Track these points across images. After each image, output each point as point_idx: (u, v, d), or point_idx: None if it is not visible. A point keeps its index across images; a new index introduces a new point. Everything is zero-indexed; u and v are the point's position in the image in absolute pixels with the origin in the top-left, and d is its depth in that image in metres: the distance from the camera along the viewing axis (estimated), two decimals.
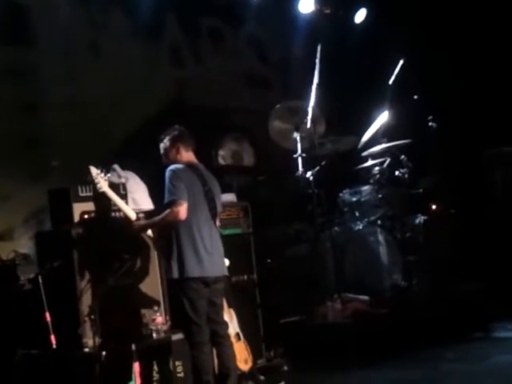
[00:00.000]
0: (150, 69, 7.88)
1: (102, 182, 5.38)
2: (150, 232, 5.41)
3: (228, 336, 5.44)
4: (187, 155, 5.39)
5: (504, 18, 9.19)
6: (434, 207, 8.03)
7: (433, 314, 7.03)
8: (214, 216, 5.33)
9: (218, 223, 5.42)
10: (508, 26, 9.21)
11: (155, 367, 5.33)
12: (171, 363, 5.40)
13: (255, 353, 6.03)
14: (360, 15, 8.98)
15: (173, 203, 5.05)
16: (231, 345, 5.51)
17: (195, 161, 5.43)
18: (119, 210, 5.58)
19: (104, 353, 5.04)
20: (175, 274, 5.06)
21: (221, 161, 7.80)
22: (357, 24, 9.04)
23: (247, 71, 8.85)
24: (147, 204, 6.30)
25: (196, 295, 5.08)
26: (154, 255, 5.82)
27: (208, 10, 8.38)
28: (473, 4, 9.16)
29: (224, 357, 5.24)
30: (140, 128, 7.58)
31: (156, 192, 6.41)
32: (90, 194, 5.75)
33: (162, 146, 5.43)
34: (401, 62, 7.87)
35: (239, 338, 5.83)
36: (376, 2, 8.97)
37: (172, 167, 5.22)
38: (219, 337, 5.26)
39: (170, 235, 5.13)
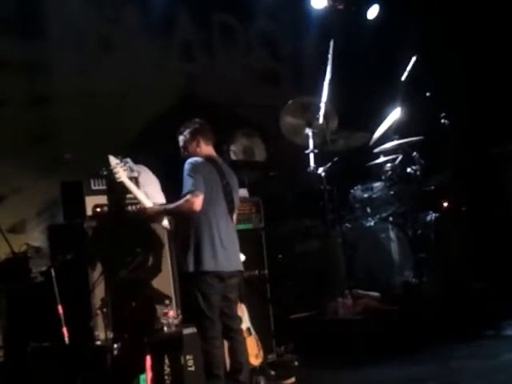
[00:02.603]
0: (161, 63, 7.90)
1: (120, 171, 5.35)
2: (166, 224, 5.35)
3: (241, 331, 5.43)
4: (207, 149, 5.36)
5: None
6: (445, 204, 8.01)
7: (443, 311, 7.02)
8: (231, 210, 5.30)
9: (234, 218, 5.41)
10: None
11: (166, 361, 5.33)
12: (182, 357, 5.39)
13: (266, 348, 6.03)
14: (373, 11, 8.95)
15: (190, 193, 5.03)
16: (243, 340, 5.50)
17: (214, 154, 5.40)
18: (133, 203, 5.58)
19: (116, 346, 5.05)
20: (190, 268, 5.04)
21: (232, 156, 7.77)
22: (369, 20, 9.01)
23: (259, 67, 8.86)
24: (160, 198, 6.29)
25: (210, 289, 5.06)
26: (166, 250, 5.83)
27: (219, 5, 8.38)
28: (485, 2, 9.14)
29: (237, 352, 5.22)
30: (152, 122, 7.60)
31: (168, 186, 6.43)
32: (102, 187, 5.76)
33: (181, 138, 5.40)
34: (413, 58, 7.85)
35: (250, 333, 5.82)
36: None
37: (191, 160, 5.19)
38: (232, 331, 5.24)
39: (187, 228, 5.10)
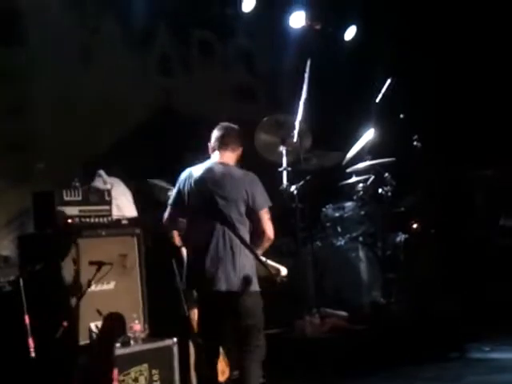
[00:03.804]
0: (139, 76, 7.90)
1: None
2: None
3: None
4: (217, 154, 5.21)
5: (491, 41, 9.33)
6: (415, 226, 8.09)
7: (410, 332, 7.07)
8: (223, 222, 4.98)
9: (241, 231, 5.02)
10: (495, 49, 9.36)
11: (132, 375, 5.33)
12: (148, 371, 5.39)
13: (233, 364, 6.02)
14: (350, 32, 9.07)
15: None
16: None
17: (224, 161, 5.18)
18: (100, 215, 5.62)
19: (83, 358, 5.04)
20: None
21: None
22: (346, 41, 9.13)
23: (235, 83, 8.91)
24: (131, 211, 6.31)
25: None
26: (136, 263, 5.83)
27: (199, 21, 8.42)
28: (460, 26, 9.29)
29: None
30: (127, 134, 7.60)
31: (141, 199, 6.45)
32: (75, 198, 5.77)
33: None
34: (388, 80, 7.93)
35: None
36: (366, 21, 9.06)
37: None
38: None
39: None
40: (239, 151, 5.34)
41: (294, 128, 7.09)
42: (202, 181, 5.03)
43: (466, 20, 9.24)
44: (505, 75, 9.38)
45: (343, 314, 7.08)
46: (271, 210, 5.13)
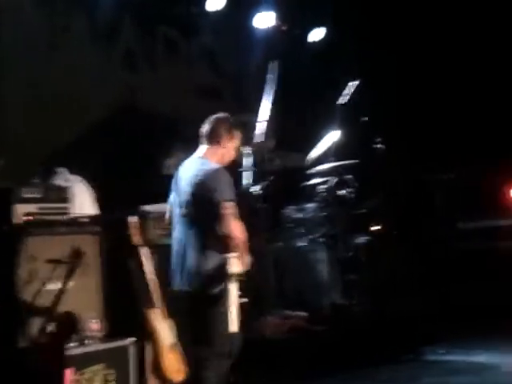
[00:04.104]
0: (103, 72, 7.85)
1: None
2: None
3: None
4: (200, 147, 5.21)
5: (454, 45, 9.43)
6: (376, 228, 8.15)
7: (369, 333, 7.12)
8: (184, 215, 5.02)
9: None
10: (457, 52, 9.46)
11: (86, 375, 5.29)
12: (103, 371, 5.36)
13: (189, 364, 6.01)
14: (316, 34, 9.10)
15: None
16: (167, 354, 5.50)
17: (199, 155, 5.17)
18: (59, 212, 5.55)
19: (34, 358, 5.00)
20: None
21: (169, 170, 7.78)
22: (312, 43, 9.15)
23: (200, 82, 8.88)
24: (92, 209, 6.27)
25: None
26: (96, 261, 5.80)
27: (164, 19, 8.39)
28: (423, 29, 9.37)
29: None
30: (90, 131, 7.55)
31: (103, 197, 6.41)
32: (33, 195, 5.71)
33: None
34: (353, 83, 7.97)
35: (175, 349, 5.80)
36: (332, 23, 9.09)
37: None
38: None
39: None
40: (219, 144, 5.15)
41: (257, 128, 7.11)
42: (177, 178, 5.13)
43: (430, 22, 9.32)
44: (467, 78, 9.49)
45: (303, 314, 7.11)
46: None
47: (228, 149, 5.19)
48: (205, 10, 8.35)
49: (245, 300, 4.99)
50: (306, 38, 9.04)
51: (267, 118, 7.13)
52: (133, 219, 5.62)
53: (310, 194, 7.86)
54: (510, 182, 10.99)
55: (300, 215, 7.74)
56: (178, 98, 8.36)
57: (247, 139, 7.21)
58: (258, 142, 7.14)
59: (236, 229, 4.79)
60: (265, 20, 8.52)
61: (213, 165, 5.04)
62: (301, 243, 7.65)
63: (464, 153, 9.42)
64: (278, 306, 7.03)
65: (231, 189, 4.92)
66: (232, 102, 9.02)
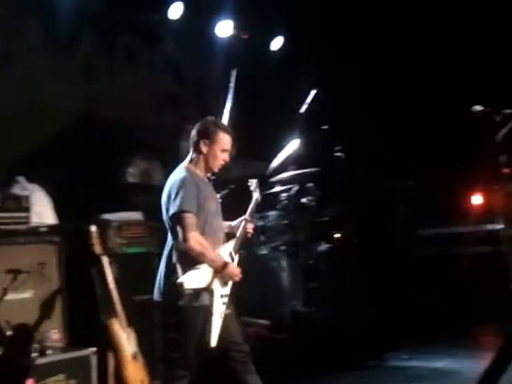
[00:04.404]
0: (62, 81, 7.77)
1: None
2: None
3: None
4: None
5: (415, 51, 9.54)
6: (337, 236, 8.19)
7: (331, 340, 7.14)
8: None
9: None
10: (420, 58, 9.57)
11: None
12: (65, 381, 5.31)
13: (152, 373, 5.99)
14: (277, 43, 9.13)
15: None
16: (129, 364, 5.48)
17: (184, 162, 5.17)
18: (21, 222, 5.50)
19: None
20: None
21: (130, 179, 7.75)
22: (273, 51, 9.18)
23: (162, 90, 8.84)
24: (51, 218, 6.22)
25: None
26: (54, 270, 5.74)
27: (125, 27, 8.34)
28: (383, 39, 9.46)
29: None
30: (49, 141, 7.47)
31: (61, 207, 6.35)
32: None
33: None
34: (313, 91, 8.01)
35: (136, 358, 5.77)
36: (292, 32, 9.13)
37: None
38: None
39: None
40: (198, 150, 5.09)
41: None
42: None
43: (389, 31, 9.41)
44: (427, 85, 9.60)
45: (265, 322, 7.11)
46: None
47: (210, 154, 5.09)
48: (167, 18, 8.33)
49: (228, 311, 4.99)
50: (267, 46, 9.07)
51: (228, 126, 7.11)
52: (93, 228, 5.59)
53: (272, 202, 7.87)
54: (471, 188, 11.14)
55: (262, 223, 7.74)
56: (138, 106, 8.32)
57: None
58: None
59: (191, 240, 4.74)
60: (225, 28, 8.53)
61: (181, 174, 5.01)
62: (262, 251, 7.65)
63: (426, 160, 9.52)
64: (239, 314, 7.00)
65: (191, 199, 4.84)
66: (193, 110, 9.00)
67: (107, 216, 6.34)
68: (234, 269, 5.03)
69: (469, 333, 8.15)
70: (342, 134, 8.54)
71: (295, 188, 7.77)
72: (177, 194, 4.87)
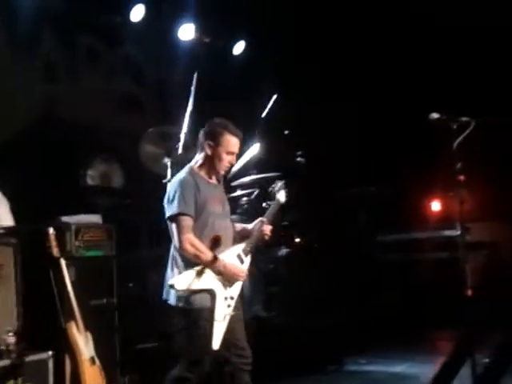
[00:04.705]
0: (22, 82, 7.69)
1: None
2: None
3: None
4: None
5: (376, 56, 9.63)
6: (297, 240, 8.21)
7: (290, 345, 7.15)
8: None
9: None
10: (379, 63, 9.66)
11: None
12: None
13: (110, 378, 5.94)
14: (238, 47, 9.15)
15: None
16: (86, 368, 5.42)
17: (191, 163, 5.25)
18: None
19: None
20: None
21: (89, 181, 7.68)
22: (235, 55, 9.20)
23: (122, 92, 8.80)
24: (8, 220, 6.13)
25: None
26: (11, 272, 5.67)
27: (86, 28, 8.29)
28: (344, 45, 9.53)
29: None
30: (7, 141, 7.38)
31: (19, 209, 6.27)
32: None
33: None
34: (274, 96, 8.03)
35: (94, 362, 5.72)
36: (254, 36, 9.15)
37: None
38: None
39: None
40: (204, 150, 5.14)
41: (179, 140, 7.08)
42: None
43: (350, 37, 9.48)
44: (387, 94, 9.69)
45: None
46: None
47: (215, 156, 5.09)
48: (128, 20, 8.29)
49: (234, 313, 4.96)
50: (230, 50, 9.08)
51: (188, 129, 7.10)
52: (51, 230, 5.54)
53: (233, 206, 7.85)
54: (430, 195, 11.28)
55: None
56: (99, 108, 8.26)
57: (169, 151, 7.19)
58: (179, 154, 7.10)
59: (184, 243, 4.77)
60: (187, 32, 8.52)
61: (182, 174, 5.05)
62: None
63: (386, 167, 9.61)
64: None
65: (188, 201, 4.87)
66: (154, 112, 8.97)
67: (66, 218, 6.27)
68: (236, 269, 4.99)
69: (426, 338, 8.23)
70: (303, 138, 8.56)
71: (256, 192, 7.76)
72: (174, 195, 4.90)
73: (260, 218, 5.35)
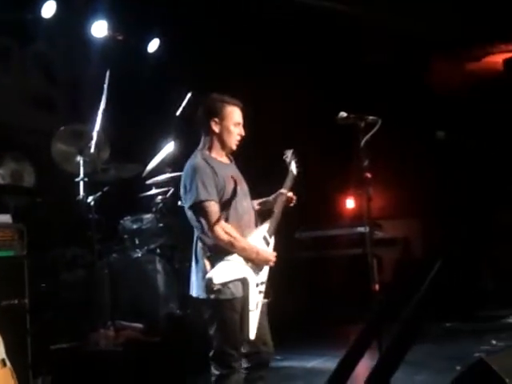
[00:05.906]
0: None
1: None
2: None
3: None
4: None
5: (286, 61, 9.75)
6: None
7: (205, 343, 7.15)
8: None
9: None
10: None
11: None
12: None
13: (22, 381, 5.82)
14: (153, 45, 9.11)
15: None
16: None
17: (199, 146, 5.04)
18: None
19: None
20: None
21: None
22: (149, 53, 9.16)
23: (33, 90, 8.65)
24: None
25: None
26: None
27: None
28: (258, 44, 9.61)
29: None
30: None
31: None
32: None
33: None
34: (188, 95, 8.03)
35: (5, 365, 5.60)
36: (169, 35, 9.13)
37: None
38: None
39: None
40: (208, 131, 4.88)
41: (91, 138, 7.03)
42: None
43: (265, 35, 9.54)
44: (299, 93, 9.81)
45: (138, 326, 7.06)
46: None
47: (224, 132, 4.84)
48: (40, 17, 8.15)
49: (265, 300, 4.82)
50: (144, 48, 9.03)
51: (101, 127, 7.05)
52: None
53: (147, 204, 7.83)
54: (345, 193, 11.49)
55: (136, 226, 7.68)
56: (10, 106, 8.11)
57: (81, 149, 7.12)
58: (91, 152, 7.04)
59: (217, 230, 4.54)
60: (100, 29, 8.44)
61: (193, 160, 4.78)
62: (137, 254, 7.60)
63: (304, 164, 9.67)
64: (113, 318, 6.95)
65: (208, 185, 4.61)
66: (66, 111, 8.85)
67: None
68: (268, 254, 4.74)
69: (338, 332, 8.38)
70: None
71: (171, 190, 7.75)
72: (191, 182, 4.65)
73: (279, 191, 5.04)
